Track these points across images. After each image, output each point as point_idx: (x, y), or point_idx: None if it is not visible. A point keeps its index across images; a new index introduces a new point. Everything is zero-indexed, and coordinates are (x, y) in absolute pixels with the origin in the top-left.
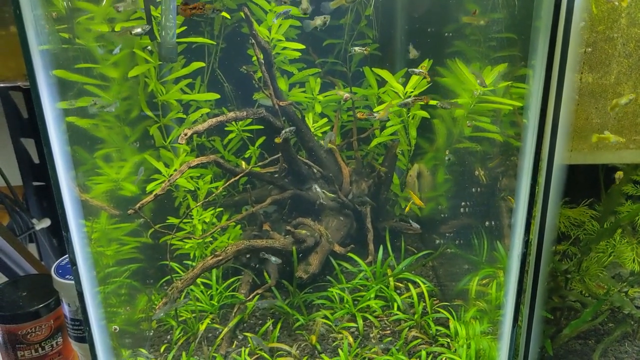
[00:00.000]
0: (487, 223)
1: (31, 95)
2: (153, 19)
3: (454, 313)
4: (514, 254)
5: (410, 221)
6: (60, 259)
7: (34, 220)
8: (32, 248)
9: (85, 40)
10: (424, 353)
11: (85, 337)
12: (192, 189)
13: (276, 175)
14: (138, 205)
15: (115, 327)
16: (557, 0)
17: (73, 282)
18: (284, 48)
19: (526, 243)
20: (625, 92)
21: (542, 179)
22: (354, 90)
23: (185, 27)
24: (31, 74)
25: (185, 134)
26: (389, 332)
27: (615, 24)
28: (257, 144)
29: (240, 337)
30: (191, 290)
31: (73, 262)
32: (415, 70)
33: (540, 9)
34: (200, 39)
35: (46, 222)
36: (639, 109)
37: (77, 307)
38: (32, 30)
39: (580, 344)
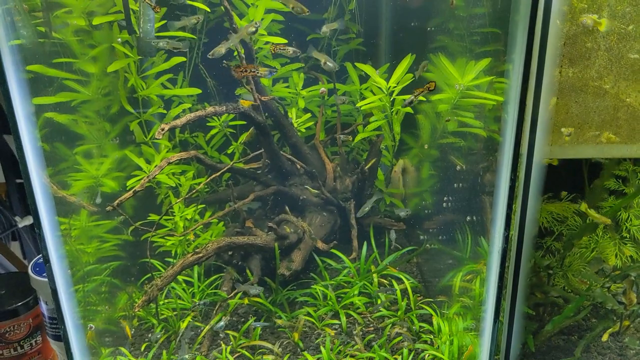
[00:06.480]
0: (471, 218)
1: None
2: (132, 13)
3: (437, 309)
4: (494, 250)
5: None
6: (37, 257)
7: (17, 218)
8: (15, 246)
9: (63, 34)
10: (405, 351)
11: None
12: (174, 185)
13: (259, 172)
14: (116, 201)
15: (91, 325)
16: None
17: None
18: (267, 43)
19: (506, 238)
20: (606, 86)
21: (522, 174)
22: (338, 86)
23: (165, 21)
24: (0, 69)
25: (163, 129)
26: (372, 329)
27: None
28: (240, 139)
29: (222, 335)
30: (172, 288)
31: (46, 259)
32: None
33: (518, 2)
34: (181, 34)
35: (29, 220)
36: (619, 103)
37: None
38: (2, 25)
39: (563, 339)
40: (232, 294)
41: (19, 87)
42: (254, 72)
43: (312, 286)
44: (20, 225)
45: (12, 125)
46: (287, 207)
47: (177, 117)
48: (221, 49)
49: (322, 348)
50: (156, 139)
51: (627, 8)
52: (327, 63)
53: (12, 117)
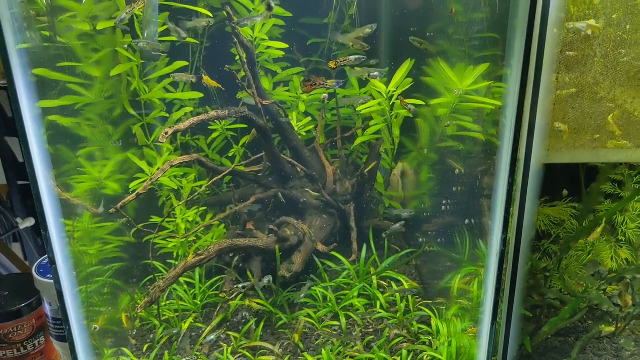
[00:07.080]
0: (469, 221)
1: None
2: (135, 17)
3: (436, 311)
4: (492, 252)
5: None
6: (42, 258)
7: (18, 220)
8: (16, 247)
9: (67, 38)
10: (405, 352)
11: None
12: (176, 188)
13: (260, 174)
14: (120, 204)
15: (96, 326)
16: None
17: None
18: (268, 47)
19: (504, 241)
20: (602, 92)
21: (519, 177)
22: (337, 90)
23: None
24: (9, 73)
25: (166, 133)
26: (371, 330)
27: None
28: (242, 142)
29: (223, 336)
30: (174, 289)
31: (52, 261)
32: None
33: (517, 8)
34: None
35: (30, 221)
36: (615, 109)
37: (58, 306)
38: (10, 29)
39: (560, 341)
40: (233, 296)
41: (26, 90)
42: (323, 84)
43: (312, 288)
44: (21, 227)
45: (20, 128)
46: (288, 209)
47: (180, 120)
48: (182, 77)
49: (322, 350)
50: (159, 142)
51: (623, 16)
52: (372, 73)
53: (20, 120)
